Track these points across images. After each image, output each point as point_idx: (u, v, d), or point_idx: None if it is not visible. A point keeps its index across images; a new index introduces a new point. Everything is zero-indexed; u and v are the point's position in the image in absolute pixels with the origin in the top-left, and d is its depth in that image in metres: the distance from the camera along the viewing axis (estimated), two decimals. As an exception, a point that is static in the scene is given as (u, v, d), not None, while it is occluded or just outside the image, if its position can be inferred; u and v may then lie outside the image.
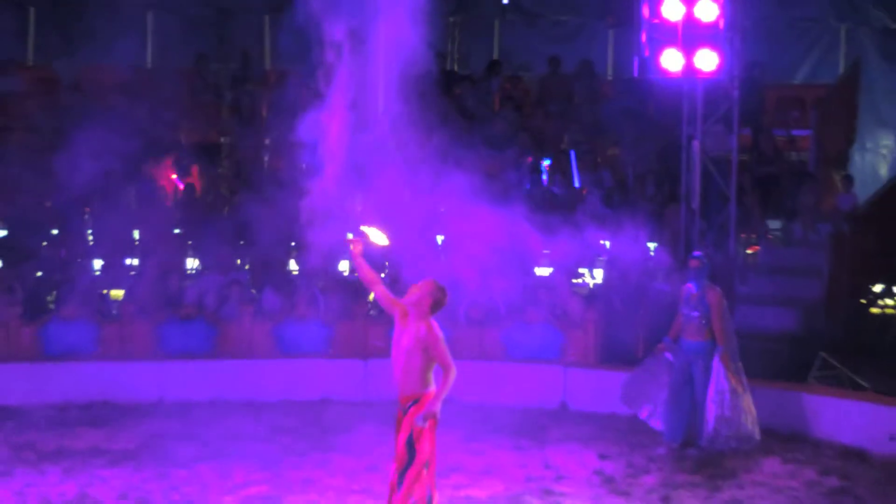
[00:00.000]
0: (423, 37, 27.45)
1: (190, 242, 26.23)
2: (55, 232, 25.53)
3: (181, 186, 27.64)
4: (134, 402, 22.44)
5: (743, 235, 25.98)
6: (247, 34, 30.56)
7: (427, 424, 15.47)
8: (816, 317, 25.26)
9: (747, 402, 20.05)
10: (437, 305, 15.67)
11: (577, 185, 27.32)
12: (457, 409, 22.23)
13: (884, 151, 29.78)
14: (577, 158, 27.76)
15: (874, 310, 26.27)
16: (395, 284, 24.46)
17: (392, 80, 22.56)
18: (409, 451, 15.43)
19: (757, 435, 20.16)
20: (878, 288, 26.52)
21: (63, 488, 18.16)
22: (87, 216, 24.71)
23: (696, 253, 21.28)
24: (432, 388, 15.49)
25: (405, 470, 15.58)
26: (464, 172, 21.02)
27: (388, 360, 24.01)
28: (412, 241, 22.71)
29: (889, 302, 26.47)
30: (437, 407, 15.36)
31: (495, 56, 30.88)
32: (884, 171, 29.45)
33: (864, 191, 28.06)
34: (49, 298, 24.25)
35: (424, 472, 15.43)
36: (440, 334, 15.46)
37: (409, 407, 15.28)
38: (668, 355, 20.54)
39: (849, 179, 27.78)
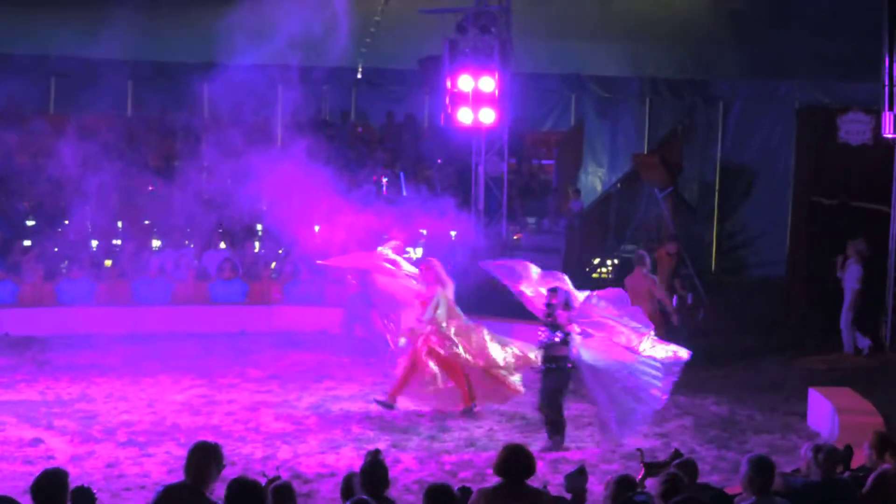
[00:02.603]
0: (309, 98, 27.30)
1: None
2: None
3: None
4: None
5: (511, 227, 25.81)
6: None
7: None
8: (557, 279, 25.18)
9: None
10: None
11: (404, 194, 26.93)
12: (328, 337, 21.94)
13: (599, 175, 29.80)
14: (405, 177, 27.45)
15: (594, 274, 26.31)
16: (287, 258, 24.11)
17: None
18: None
19: None
20: (596, 261, 26.55)
21: (70, 389, 17.75)
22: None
23: None
24: None
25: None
26: (331, 182, 20.73)
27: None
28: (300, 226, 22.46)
29: (603, 270, 26.52)
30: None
31: (352, 112, 30.52)
32: (598, 187, 29.45)
33: (587, 199, 28.05)
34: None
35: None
36: None
37: None
38: None
39: (577, 192, 27.79)
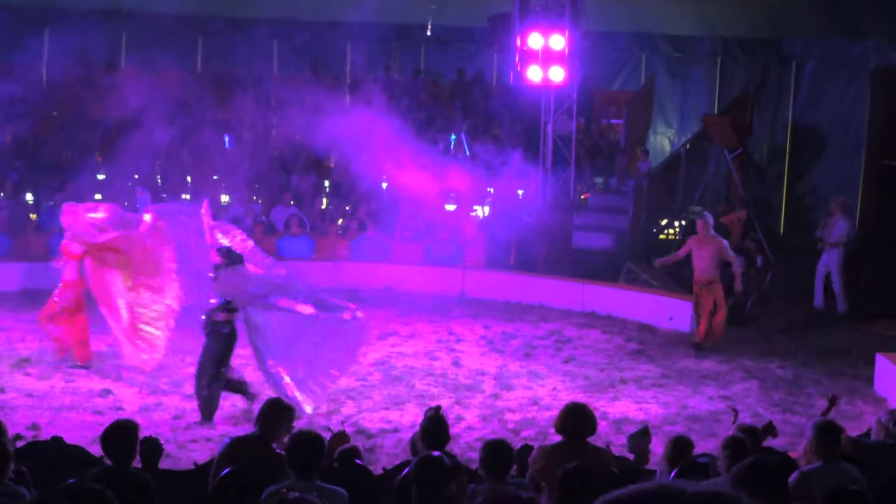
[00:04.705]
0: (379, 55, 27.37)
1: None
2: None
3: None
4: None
5: (579, 186, 25.76)
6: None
7: None
8: (624, 239, 25.14)
9: None
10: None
11: (467, 153, 26.86)
12: (393, 294, 22.05)
13: (668, 135, 29.68)
14: (472, 136, 27.39)
15: (661, 236, 26.26)
16: (354, 214, 24.22)
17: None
18: None
19: None
20: (663, 222, 26.46)
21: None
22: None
23: None
24: None
25: None
26: (399, 138, 20.78)
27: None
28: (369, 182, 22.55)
29: (670, 231, 26.43)
30: None
31: (421, 69, 30.49)
32: (667, 147, 29.34)
33: (656, 159, 27.98)
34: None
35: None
36: None
37: None
38: None
39: (646, 152, 27.69)
